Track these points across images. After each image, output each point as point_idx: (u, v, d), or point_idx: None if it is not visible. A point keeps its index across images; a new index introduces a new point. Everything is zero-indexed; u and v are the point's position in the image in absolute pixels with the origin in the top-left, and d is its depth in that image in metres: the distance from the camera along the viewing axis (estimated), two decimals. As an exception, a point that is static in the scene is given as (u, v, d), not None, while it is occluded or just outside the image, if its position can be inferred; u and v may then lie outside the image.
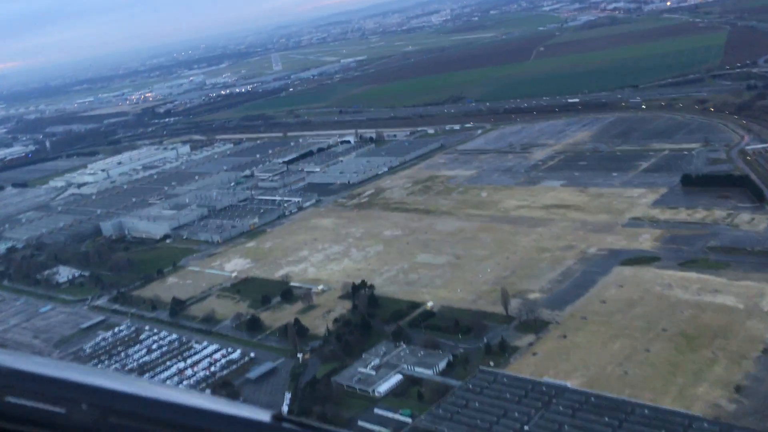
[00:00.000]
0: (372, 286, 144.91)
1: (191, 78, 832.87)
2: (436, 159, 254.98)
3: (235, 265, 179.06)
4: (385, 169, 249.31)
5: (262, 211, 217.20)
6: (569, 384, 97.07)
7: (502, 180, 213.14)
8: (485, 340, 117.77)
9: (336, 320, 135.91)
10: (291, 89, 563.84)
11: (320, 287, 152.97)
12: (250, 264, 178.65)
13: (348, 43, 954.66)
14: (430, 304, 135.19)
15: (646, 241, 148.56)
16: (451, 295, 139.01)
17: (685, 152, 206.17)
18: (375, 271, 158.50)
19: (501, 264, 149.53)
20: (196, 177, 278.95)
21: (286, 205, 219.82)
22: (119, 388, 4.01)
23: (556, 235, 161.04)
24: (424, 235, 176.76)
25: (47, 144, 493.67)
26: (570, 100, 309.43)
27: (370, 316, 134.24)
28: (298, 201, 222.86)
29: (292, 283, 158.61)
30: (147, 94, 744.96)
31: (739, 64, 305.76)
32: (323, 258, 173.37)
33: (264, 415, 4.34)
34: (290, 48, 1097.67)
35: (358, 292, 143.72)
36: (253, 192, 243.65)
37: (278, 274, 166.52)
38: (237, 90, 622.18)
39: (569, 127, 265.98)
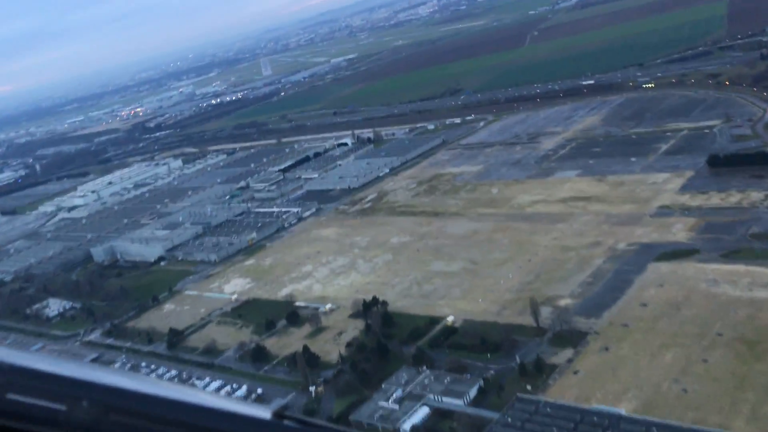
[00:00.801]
0: (385, 303, 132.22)
1: (181, 89, 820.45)
2: (439, 156, 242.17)
3: (234, 287, 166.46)
4: (387, 170, 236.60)
5: (259, 224, 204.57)
6: (623, 411, 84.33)
7: (512, 174, 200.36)
8: (518, 358, 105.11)
9: (349, 344, 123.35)
10: (282, 93, 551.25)
11: (328, 306, 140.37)
12: (250, 284, 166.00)
13: (336, 42, 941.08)
14: (450, 318, 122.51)
15: (679, 231, 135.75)
16: (472, 306, 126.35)
17: (706, 130, 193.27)
18: (386, 283, 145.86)
19: (522, 268, 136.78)
20: (189, 192, 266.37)
21: (284, 216, 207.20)
22: (120, 384, 4.02)
23: (578, 231, 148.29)
24: (435, 240, 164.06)
25: (37, 167, 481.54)
26: (584, 82, 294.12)
27: (386, 337, 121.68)
28: (297, 211, 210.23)
29: (297, 303, 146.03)
30: (137, 109, 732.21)
31: (748, 34, 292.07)
32: (329, 272, 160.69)
33: (265, 412, 4.37)
34: (279, 51, 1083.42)
35: (370, 309, 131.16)
36: (249, 204, 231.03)
37: (282, 294, 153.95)
38: (227, 98, 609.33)
39: (576, 113, 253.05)
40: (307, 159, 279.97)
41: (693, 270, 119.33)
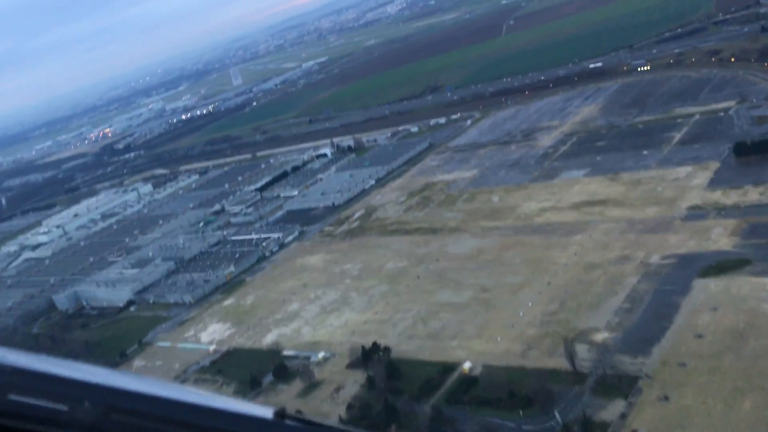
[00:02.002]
0: (387, 348, 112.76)
1: (150, 106, 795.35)
2: (427, 162, 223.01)
3: (212, 334, 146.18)
4: (372, 182, 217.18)
5: (237, 255, 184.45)
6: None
7: (512, 178, 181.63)
8: (558, 416, 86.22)
9: (350, 406, 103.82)
10: (254, 103, 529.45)
11: (321, 355, 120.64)
12: (230, 330, 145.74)
13: (306, 46, 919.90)
14: (467, 365, 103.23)
15: (721, 237, 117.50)
16: (490, 347, 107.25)
17: (721, 113, 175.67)
18: (386, 322, 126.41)
19: (543, 293, 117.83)
20: (160, 221, 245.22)
21: (264, 244, 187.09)
22: (121, 385, 4.06)
23: (600, 243, 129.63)
24: (436, 264, 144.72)
25: (2, 201, 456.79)
26: (592, 65, 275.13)
27: (393, 393, 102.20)
28: (279, 237, 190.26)
29: (285, 352, 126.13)
30: (106, 130, 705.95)
31: (742, 6, 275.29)
32: (318, 311, 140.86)
33: (266, 412, 4.37)
34: (248, 59, 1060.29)
35: (371, 358, 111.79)
36: (225, 232, 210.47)
37: (267, 341, 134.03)
38: (198, 112, 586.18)
39: (570, 103, 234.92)
40: (284, 175, 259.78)
41: (749, 286, 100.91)
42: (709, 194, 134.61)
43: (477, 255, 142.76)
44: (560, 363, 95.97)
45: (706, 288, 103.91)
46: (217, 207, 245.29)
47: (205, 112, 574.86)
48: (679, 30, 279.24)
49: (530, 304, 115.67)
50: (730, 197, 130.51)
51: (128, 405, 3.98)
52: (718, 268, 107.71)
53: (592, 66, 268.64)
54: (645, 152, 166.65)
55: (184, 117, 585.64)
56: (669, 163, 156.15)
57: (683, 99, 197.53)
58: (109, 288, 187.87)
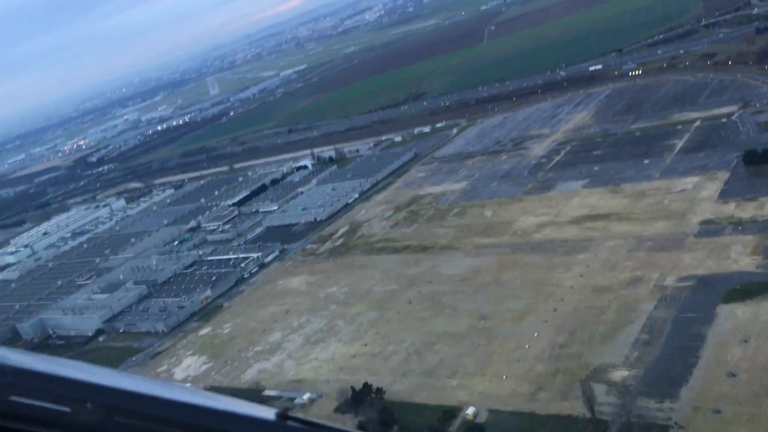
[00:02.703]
0: (380, 390, 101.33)
1: (126, 117, 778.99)
2: (413, 173, 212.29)
3: (187, 370, 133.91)
4: (356, 195, 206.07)
5: (214, 278, 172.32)
6: None
7: (505, 190, 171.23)
8: (578, 473, 75.46)
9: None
10: (231, 113, 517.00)
11: (306, 396, 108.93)
12: (207, 364, 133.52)
13: (284, 55, 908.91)
14: (470, 410, 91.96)
15: (741, 256, 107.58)
16: (494, 386, 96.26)
17: (723, 119, 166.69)
18: (376, 355, 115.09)
19: (549, 322, 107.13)
20: (132, 240, 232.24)
21: (243, 264, 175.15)
22: (124, 386, 4.06)
23: (608, 262, 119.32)
24: (429, 287, 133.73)
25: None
26: (592, 68, 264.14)
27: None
28: (258, 256, 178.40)
29: (267, 392, 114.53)
30: (80, 142, 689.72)
31: (732, 8, 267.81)
32: (303, 341, 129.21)
33: (268, 413, 4.37)
34: (226, 69, 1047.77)
35: (362, 400, 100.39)
36: (201, 252, 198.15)
37: (247, 378, 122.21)
38: (174, 123, 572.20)
39: (560, 110, 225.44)
40: (263, 188, 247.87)
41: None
42: (722, 207, 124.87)
43: (472, 276, 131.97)
44: (576, 407, 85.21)
45: (733, 315, 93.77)
46: (192, 223, 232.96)
47: (181, 122, 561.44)
48: (669, 33, 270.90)
49: (536, 334, 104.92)
50: (745, 210, 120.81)
51: (131, 406, 3.95)
52: (743, 292, 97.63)
53: (591, 69, 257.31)
54: (646, 161, 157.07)
55: (159, 128, 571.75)
56: (673, 173, 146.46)
57: (681, 104, 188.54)
58: (77, 316, 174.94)
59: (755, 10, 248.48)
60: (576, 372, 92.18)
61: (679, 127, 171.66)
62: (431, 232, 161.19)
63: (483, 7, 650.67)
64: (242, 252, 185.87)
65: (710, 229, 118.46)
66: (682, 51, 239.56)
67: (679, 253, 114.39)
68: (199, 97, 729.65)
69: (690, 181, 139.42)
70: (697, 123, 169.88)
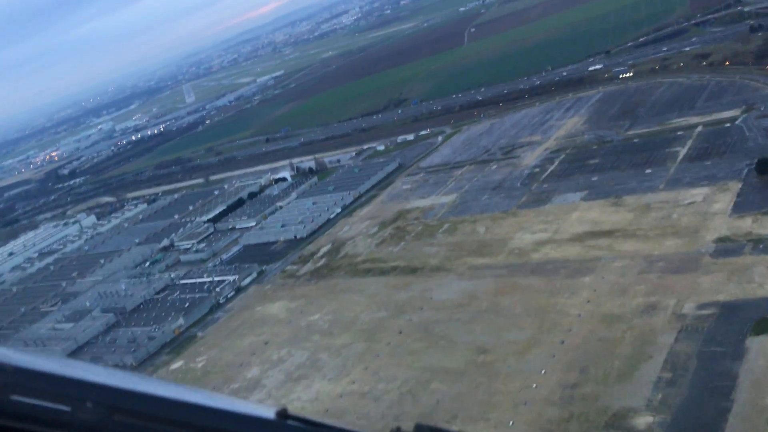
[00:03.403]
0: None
1: (100, 126, 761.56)
2: (398, 185, 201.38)
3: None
4: (338, 209, 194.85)
5: (187, 304, 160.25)
6: None
7: (497, 203, 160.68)
8: None
9: None
10: (207, 122, 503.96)
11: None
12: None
13: (261, 60, 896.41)
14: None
15: (766, 279, 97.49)
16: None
17: (727, 124, 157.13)
18: (366, 395, 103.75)
19: (557, 356, 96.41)
20: (102, 261, 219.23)
21: (218, 289, 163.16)
22: (124, 385, 4.07)
23: (617, 286, 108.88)
24: (420, 314, 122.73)
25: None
26: (592, 68, 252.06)
27: (382, 503, 79.67)
28: (234, 279, 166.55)
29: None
30: (52, 154, 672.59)
31: (723, 5, 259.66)
32: (284, 378, 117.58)
33: (268, 412, 4.38)
34: (201, 75, 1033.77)
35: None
36: (173, 274, 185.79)
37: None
38: (149, 132, 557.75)
39: (550, 115, 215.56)
40: (240, 202, 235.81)
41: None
42: (738, 222, 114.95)
43: (468, 302, 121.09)
44: (596, 461, 74.56)
45: (766, 350, 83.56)
46: (165, 242, 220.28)
47: (156, 132, 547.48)
48: (658, 33, 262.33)
49: (543, 371, 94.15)
50: (764, 226, 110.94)
51: (131, 405, 3.96)
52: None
53: (591, 69, 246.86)
54: (648, 171, 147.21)
55: (133, 138, 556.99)
56: (679, 183, 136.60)
57: (679, 108, 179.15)
58: (39, 348, 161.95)
59: (747, 8, 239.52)
60: (593, 418, 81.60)
61: (679, 133, 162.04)
62: (420, 251, 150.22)
63: (461, 9, 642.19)
64: (218, 274, 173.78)
65: (727, 247, 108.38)
66: (674, 51, 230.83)
67: (696, 275, 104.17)
68: (174, 105, 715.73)
69: (699, 192, 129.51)
70: (699, 128, 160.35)
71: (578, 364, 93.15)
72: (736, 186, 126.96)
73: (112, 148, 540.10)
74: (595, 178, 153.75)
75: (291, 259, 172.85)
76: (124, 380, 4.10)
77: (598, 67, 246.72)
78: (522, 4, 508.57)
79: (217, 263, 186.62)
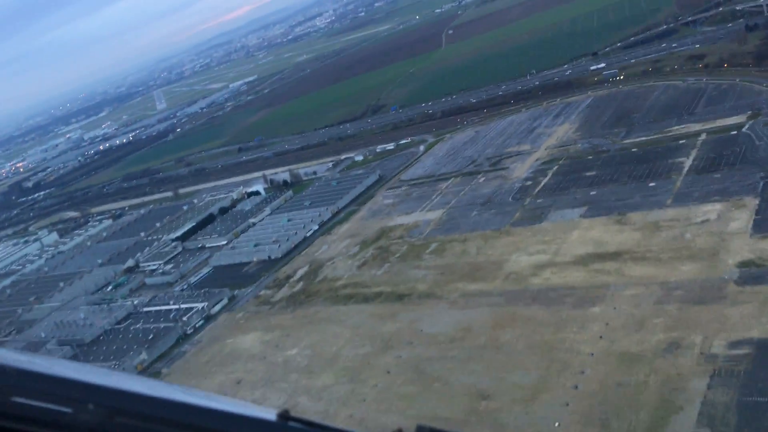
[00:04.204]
0: None
1: (68, 135, 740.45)
2: (379, 199, 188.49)
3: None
4: (315, 227, 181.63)
5: (151, 336, 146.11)
6: None
7: (488, 220, 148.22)
8: None
9: None
10: (178, 130, 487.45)
11: None
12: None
13: (234, 65, 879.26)
14: None
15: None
16: (512, 505, 72.72)
17: (733, 132, 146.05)
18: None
19: (572, 405, 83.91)
20: (61, 284, 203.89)
21: (186, 318, 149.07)
22: (126, 387, 4.08)
23: (632, 319, 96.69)
24: (410, 350, 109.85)
25: None
26: (593, 67, 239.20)
27: None
28: (203, 306, 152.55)
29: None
30: (18, 165, 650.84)
31: (713, 3, 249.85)
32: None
33: (270, 414, 4.40)
34: (173, 81, 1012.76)
35: None
36: (137, 301, 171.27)
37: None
38: (117, 141, 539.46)
39: (538, 122, 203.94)
40: (210, 218, 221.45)
41: None
42: (761, 244, 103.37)
43: (463, 336, 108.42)
44: None
45: (819, 402, 71.81)
46: (130, 262, 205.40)
47: (125, 141, 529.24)
48: (646, 33, 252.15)
49: (557, 424, 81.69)
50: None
51: (132, 407, 3.96)
52: (824, 366, 75.82)
53: (592, 69, 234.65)
54: (652, 184, 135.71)
55: (102, 147, 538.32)
56: (688, 198, 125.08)
57: (677, 114, 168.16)
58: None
59: (739, 6, 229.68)
60: (621, 488, 69.26)
61: (681, 141, 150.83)
62: (406, 274, 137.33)
63: (437, 11, 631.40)
64: (185, 300, 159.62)
65: (753, 273, 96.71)
66: (665, 52, 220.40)
67: (722, 306, 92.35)
68: (145, 113, 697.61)
69: (711, 209, 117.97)
70: (703, 137, 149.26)
71: (597, 416, 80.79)
72: (752, 202, 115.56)
73: (79, 158, 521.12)
74: (593, 193, 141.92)
75: (265, 282, 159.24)
76: (126, 382, 4.12)
77: (599, 67, 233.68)
78: (500, 5, 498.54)
79: (185, 287, 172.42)
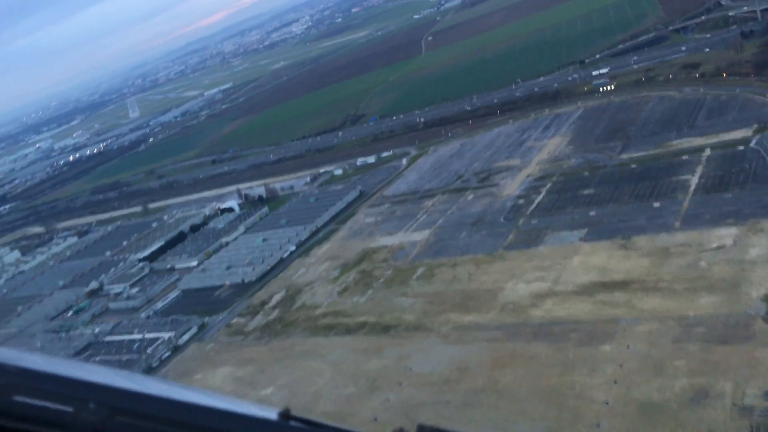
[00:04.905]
0: None
1: (38, 145, 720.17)
2: (360, 218, 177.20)
3: None
4: (292, 247, 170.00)
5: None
6: None
7: (479, 243, 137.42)
8: None
9: None
10: (151, 139, 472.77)
11: None
12: None
13: (209, 72, 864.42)
14: None
15: None
16: None
17: (740, 147, 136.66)
18: None
19: (588, 467, 73.14)
20: (19, 309, 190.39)
21: (150, 350, 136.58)
22: (126, 386, 4.08)
23: (649, 360, 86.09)
24: (399, 392, 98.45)
25: None
26: (595, 71, 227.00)
27: None
28: (170, 337, 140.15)
29: None
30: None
31: (704, 9, 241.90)
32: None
33: (271, 413, 4.38)
34: (147, 88, 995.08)
35: None
36: (98, 329, 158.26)
37: None
38: (88, 152, 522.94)
39: (528, 135, 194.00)
40: (181, 237, 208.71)
41: None
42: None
43: (458, 377, 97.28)
44: None
45: None
46: (93, 285, 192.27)
47: (95, 151, 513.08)
48: (635, 40, 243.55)
49: (572, 492, 70.79)
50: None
51: (133, 406, 3.96)
52: None
53: (595, 73, 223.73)
54: (656, 204, 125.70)
55: (71, 158, 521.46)
56: (698, 221, 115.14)
57: (677, 128, 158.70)
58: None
59: (731, 12, 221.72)
60: None
61: (684, 157, 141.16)
62: (392, 302, 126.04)
63: (416, 16, 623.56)
64: (150, 329, 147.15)
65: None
66: (657, 60, 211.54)
67: (751, 347, 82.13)
68: (117, 121, 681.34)
69: (726, 233, 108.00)
70: (707, 152, 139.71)
71: (619, 483, 69.97)
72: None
73: (48, 169, 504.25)
74: (593, 213, 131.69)
75: (238, 309, 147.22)
76: (127, 381, 4.12)
77: (601, 72, 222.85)
78: (480, 11, 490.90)
79: (151, 314, 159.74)
